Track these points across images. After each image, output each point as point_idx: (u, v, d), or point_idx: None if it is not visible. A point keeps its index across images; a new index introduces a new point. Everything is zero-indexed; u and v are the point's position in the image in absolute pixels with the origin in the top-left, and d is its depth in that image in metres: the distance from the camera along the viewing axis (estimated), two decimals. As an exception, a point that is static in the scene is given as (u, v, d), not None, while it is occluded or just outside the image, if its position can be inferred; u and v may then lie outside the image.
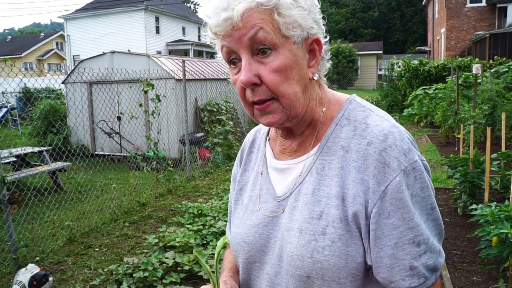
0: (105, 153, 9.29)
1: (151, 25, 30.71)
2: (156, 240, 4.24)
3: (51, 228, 4.94)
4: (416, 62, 15.75)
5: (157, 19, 31.45)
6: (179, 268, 3.73)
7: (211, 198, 6.07)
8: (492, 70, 10.63)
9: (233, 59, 0.88)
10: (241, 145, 1.22)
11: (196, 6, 62.31)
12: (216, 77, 10.44)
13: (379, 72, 34.34)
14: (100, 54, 9.69)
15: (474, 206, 3.67)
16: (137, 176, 6.76)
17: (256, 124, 1.12)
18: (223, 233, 4.45)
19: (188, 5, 56.68)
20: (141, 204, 5.94)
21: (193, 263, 3.74)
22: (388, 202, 0.81)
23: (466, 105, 8.97)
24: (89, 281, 3.77)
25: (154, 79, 8.36)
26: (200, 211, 5.21)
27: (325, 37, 0.93)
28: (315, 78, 0.90)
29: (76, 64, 10.56)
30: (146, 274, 3.58)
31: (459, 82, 9.67)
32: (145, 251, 4.24)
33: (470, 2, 22.47)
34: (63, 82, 9.84)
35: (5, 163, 6.73)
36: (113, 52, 9.50)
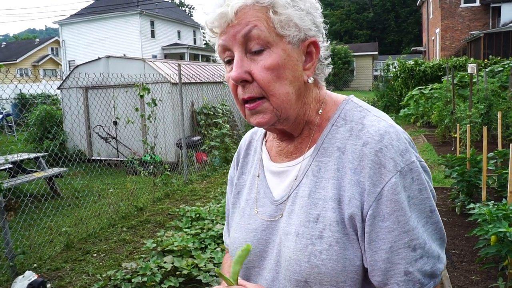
0: (102, 158, 9.26)
1: (146, 29, 30.71)
2: (154, 245, 4.22)
3: (48, 234, 4.91)
4: (411, 62, 15.80)
5: (152, 23, 31.46)
6: (177, 273, 3.72)
7: (208, 202, 6.05)
8: (487, 70, 10.69)
9: (227, 57, 0.88)
10: (237, 147, 1.19)
11: (191, 10, 62.33)
12: (212, 80, 10.44)
13: (375, 73, 34.43)
14: (96, 59, 9.67)
15: (471, 205, 3.67)
16: (134, 181, 6.74)
17: (252, 127, 1.11)
18: (221, 236, 4.43)
19: (183, 8, 56.69)
20: (139, 209, 5.92)
21: (192, 267, 3.72)
22: (383, 204, 0.79)
23: (462, 105, 8.99)
24: (88, 287, 3.74)
25: (150, 83, 8.35)
26: (198, 215, 5.19)
27: (325, 41, 0.92)
28: (310, 81, 0.88)
29: (71, 69, 10.54)
30: (145, 279, 3.56)
31: (455, 81, 9.71)
32: (143, 256, 4.22)
33: (464, 2, 22.58)
34: (58, 88, 9.82)
35: (1, 170, 6.70)
36: (108, 57, 9.48)
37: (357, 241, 0.82)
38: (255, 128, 1.13)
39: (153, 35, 31.46)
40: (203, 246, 4.30)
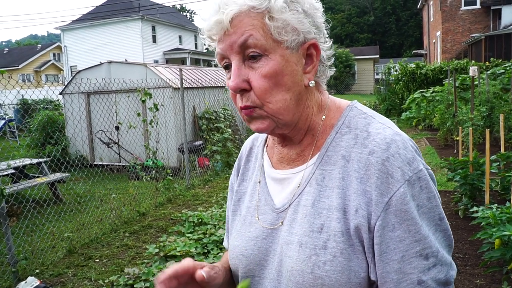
0: (104, 163, 9.26)
1: (148, 35, 30.81)
2: (157, 250, 4.21)
3: (50, 240, 4.91)
4: (412, 65, 15.80)
5: (153, 28, 31.56)
6: (180, 278, 3.70)
7: (211, 206, 6.04)
8: (488, 72, 10.67)
9: (226, 64, 0.86)
10: (239, 152, 1.18)
11: (192, 15, 62.56)
12: (213, 85, 10.45)
13: (376, 76, 34.43)
14: (97, 64, 9.71)
15: (475, 208, 3.66)
16: (137, 186, 6.74)
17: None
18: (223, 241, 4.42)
19: (184, 13, 56.91)
20: (141, 214, 5.91)
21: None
22: (392, 214, 0.77)
23: (463, 107, 8.98)
24: (90, 293, 3.73)
25: (152, 88, 8.36)
26: (200, 220, 5.18)
27: (326, 42, 0.90)
28: (311, 85, 0.86)
29: (73, 74, 10.57)
30: (147, 284, 3.55)
31: (456, 84, 9.70)
32: (145, 261, 4.21)
33: (465, 5, 22.61)
34: (60, 93, 9.85)
35: (4, 176, 6.70)
36: (110, 62, 9.51)
37: (362, 252, 0.80)
38: (256, 133, 1.12)
39: (154, 40, 31.55)
40: (206, 251, 4.29)
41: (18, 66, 36.38)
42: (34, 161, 7.04)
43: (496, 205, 3.52)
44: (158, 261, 4.04)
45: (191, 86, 9.24)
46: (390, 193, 0.77)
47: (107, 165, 9.29)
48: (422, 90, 13.26)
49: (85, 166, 8.66)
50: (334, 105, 0.93)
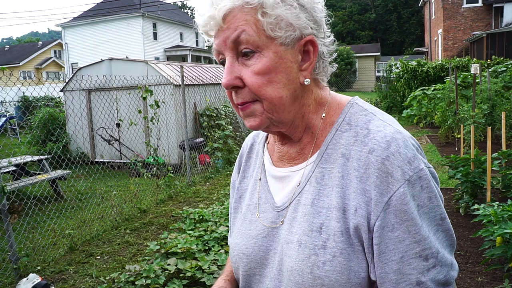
0: (105, 160, 9.27)
1: (149, 32, 30.79)
2: (158, 247, 4.21)
3: (52, 237, 4.91)
4: (414, 63, 15.76)
5: (154, 26, 31.53)
6: (181, 275, 3.71)
7: (212, 203, 6.05)
8: (490, 70, 10.65)
9: (222, 60, 0.86)
10: (240, 149, 1.17)
11: (193, 12, 62.47)
12: (214, 82, 10.45)
13: (377, 74, 34.37)
14: (98, 61, 9.70)
15: (476, 206, 3.65)
16: (138, 183, 6.74)
17: (255, 128, 1.10)
18: (225, 238, 4.43)
19: (186, 10, 56.85)
20: (142, 211, 5.92)
21: (195, 269, 3.72)
22: (392, 214, 0.76)
23: (465, 105, 8.97)
24: (91, 289, 3.74)
25: (153, 85, 8.36)
26: (201, 217, 5.18)
27: (328, 37, 0.88)
28: (306, 83, 0.84)
29: (74, 71, 10.57)
30: (148, 281, 3.55)
31: (458, 82, 9.69)
32: (146, 258, 4.22)
33: (467, 3, 22.55)
34: (61, 90, 9.84)
35: (5, 173, 6.71)
36: (111, 59, 9.50)
37: (362, 252, 0.79)
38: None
39: (155, 37, 31.53)
40: (207, 248, 4.30)
41: (19, 63, 36.37)
42: (35, 158, 7.04)
43: (497, 203, 3.51)
44: (159, 258, 4.04)
45: (192, 83, 9.24)
46: (390, 193, 0.76)
47: (108, 162, 9.30)
48: (424, 87, 13.24)
49: (86, 163, 8.67)
50: (335, 101, 0.92)
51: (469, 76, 11.51)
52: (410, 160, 0.78)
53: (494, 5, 21.66)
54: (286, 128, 0.88)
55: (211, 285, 3.50)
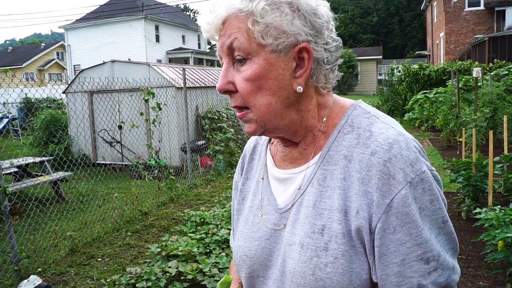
0: (107, 162, 9.29)
1: (151, 34, 30.86)
2: (159, 249, 4.21)
3: (53, 238, 4.92)
4: (416, 66, 15.76)
5: (157, 28, 31.61)
6: (182, 277, 3.71)
7: (213, 206, 6.04)
8: (492, 73, 10.64)
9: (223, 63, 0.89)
10: (242, 152, 1.17)
11: (196, 14, 62.63)
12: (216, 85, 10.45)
13: (379, 77, 34.40)
14: (101, 63, 9.72)
15: (478, 210, 3.64)
16: (139, 185, 6.75)
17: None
18: (226, 241, 4.42)
19: (188, 13, 56.97)
20: (143, 213, 5.92)
21: (196, 272, 3.71)
22: (393, 216, 0.76)
23: (467, 109, 8.96)
24: (92, 291, 3.74)
25: (155, 87, 8.38)
26: (202, 219, 5.18)
27: (332, 42, 0.86)
28: (298, 90, 0.83)
29: (76, 73, 10.60)
30: (149, 284, 3.55)
31: (460, 85, 9.68)
32: (148, 260, 4.22)
33: (469, 6, 22.55)
34: (64, 92, 9.87)
35: (7, 174, 6.72)
36: (113, 61, 9.53)
37: (364, 254, 0.80)
38: None
39: (157, 40, 31.60)
40: (208, 251, 4.29)
41: (21, 64, 36.49)
42: (37, 159, 7.05)
43: (499, 206, 3.50)
44: (160, 261, 4.04)
45: (194, 85, 9.25)
46: (392, 195, 0.76)
47: (109, 164, 9.31)
48: (425, 91, 13.23)
49: (88, 165, 8.68)
50: (338, 104, 0.92)
51: (471, 80, 11.50)
52: (412, 163, 0.78)
53: (496, 9, 21.66)
54: (284, 133, 0.89)
55: (212, 288, 3.50)
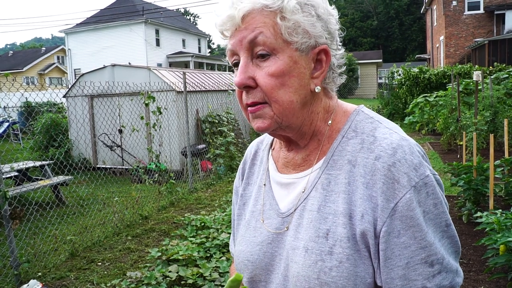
0: (107, 166, 9.28)
1: (151, 38, 30.92)
2: (159, 254, 4.20)
3: (53, 242, 4.90)
4: (416, 70, 15.78)
5: (157, 32, 31.68)
6: (182, 282, 3.70)
7: (213, 210, 6.03)
8: (492, 77, 10.64)
9: (235, 62, 0.87)
10: (243, 156, 1.17)
11: (196, 18, 62.80)
12: (217, 89, 10.47)
13: (379, 81, 34.46)
14: (101, 67, 9.74)
15: (479, 213, 3.63)
16: (139, 189, 6.74)
17: (259, 135, 1.10)
18: (226, 245, 4.41)
19: (188, 17, 57.12)
20: (144, 217, 5.91)
21: (197, 276, 3.70)
22: (398, 220, 0.77)
23: (467, 112, 8.96)
24: (92, 296, 3.72)
25: (155, 91, 8.39)
26: (203, 224, 5.17)
27: (339, 49, 0.90)
28: (317, 90, 0.86)
29: (77, 77, 10.61)
30: (150, 288, 3.54)
31: (460, 89, 9.68)
32: (148, 265, 4.21)
33: (468, 10, 22.60)
34: (64, 96, 9.88)
35: (7, 178, 6.72)
36: (113, 65, 9.54)
37: (368, 258, 0.80)
38: (261, 137, 1.12)
39: (158, 44, 31.67)
40: (208, 255, 4.28)
41: (22, 68, 36.56)
42: (37, 163, 7.05)
43: (500, 210, 3.49)
44: (161, 265, 4.03)
45: (194, 89, 9.26)
46: (396, 199, 0.77)
47: (110, 168, 9.30)
48: (426, 94, 13.23)
49: (88, 169, 8.68)
50: (341, 109, 0.93)
51: (471, 83, 11.50)
52: (416, 167, 0.79)
53: (495, 12, 21.70)
54: (293, 133, 0.89)
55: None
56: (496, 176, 4.72)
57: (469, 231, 4.63)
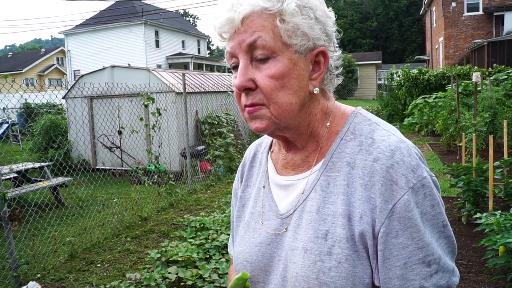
0: (106, 168, 9.28)
1: (151, 39, 30.93)
2: (159, 255, 4.20)
3: (52, 244, 4.90)
4: (415, 71, 15.79)
5: (156, 33, 31.69)
6: (182, 283, 3.69)
7: (213, 211, 6.03)
8: (491, 78, 10.65)
9: (234, 65, 0.87)
10: (242, 157, 1.18)
11: (195, 20, 62.84)
12: (216, 90, 10.47)
13: (379, 82, 34.47)
14: (100, 68, 9.74)
15: (478, 214, 3.63)
16: (139, 190, 6.73)
17: (258, 136, 1.10)
18: (226, 246, 4.41)
19: (188, 18, 57.14)
20: (143, 219, 5.90)
21: (196, 278, 3.70)
22: (396, 221, 0.78)
23: (466, 113, 8.96)
24: (91, 298, 3.72)
25: (155, 92, 8.38)
26: (202, 225, 5.17)
27: (336, 51, 0.91)
28: (315, 91, 0.87)
29: (76, 79, 10.61)
30: (149, 290, 3.53)
31: (459, 90, 9.69)
32: (147, 266, 4.20)
33: (467, 11, 22.62)
34: (63, 97, 9.87)
35: (6, 179, 6.71)
36: (113, 66, 9.54)
37: (367, 258, 0.81)
38: (260, 139, 1.12)
39: (157, 45, 31.67)
40: (208, 256, 4.28)
41: (21, 70, 36.56)
42: (37, 165, 7.04)
43: (499, 211, 3.49)
44: (160, 266, 4.02)
45: (193, 91, 9.26)
46: (394, 200, 0.78)
47: (109, 169, 9.30)
48: (425, 95, 13.24)
49: (87, 170, 8.67)
50: (339, 111, 0.94)
51: (471, 84, 11.51)
52: (414, 169, 0.80)
53: (494, 14, 21.72)
54: (291, 134, 0.90)
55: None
56: (496, 177, 4.72)
57: (469, 232, 4.63)
